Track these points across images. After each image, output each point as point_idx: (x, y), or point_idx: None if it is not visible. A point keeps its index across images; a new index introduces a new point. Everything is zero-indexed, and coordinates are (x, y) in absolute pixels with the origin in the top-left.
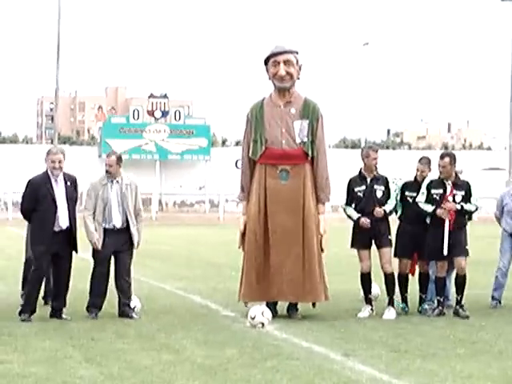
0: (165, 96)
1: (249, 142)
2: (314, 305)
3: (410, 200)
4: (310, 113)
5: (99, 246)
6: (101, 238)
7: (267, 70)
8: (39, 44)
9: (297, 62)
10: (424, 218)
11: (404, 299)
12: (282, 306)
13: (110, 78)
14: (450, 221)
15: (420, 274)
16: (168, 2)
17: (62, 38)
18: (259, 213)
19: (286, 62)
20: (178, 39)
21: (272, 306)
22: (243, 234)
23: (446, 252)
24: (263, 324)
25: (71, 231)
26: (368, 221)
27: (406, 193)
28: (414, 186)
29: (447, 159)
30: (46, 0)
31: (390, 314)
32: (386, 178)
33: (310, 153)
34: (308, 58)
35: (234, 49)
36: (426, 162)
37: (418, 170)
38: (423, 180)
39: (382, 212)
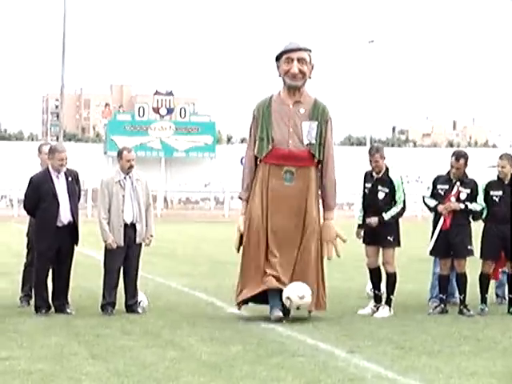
0: (170, 93)
1: (254, 140)
2: (309, 311)
3: (496, 199)
4: (319, 114)
5: (114, 246)
6: (121, 234)
7: (278, 67)
8: (45, 42)
9: (310, 60)
10: (510, 217)
11: (484, 300)
12: None
13: (116, 76)
14: (445, 220)
15: (509, 275)
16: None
17: (68, 35)
18: (262, 214)
19: (300, 60)
20: (182, 36)
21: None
22: (242, 235)
23: (430, 248)
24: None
25: (74, 226)
26: (375, 220)
27: (491, 192)
28: (498, 184)
29: (463, 161)
30: None
31: (382, 312)
32: (391, 180)
33: (317, 155)
34: (313, 55)
35: (240, 46)
36: (507, 157)
37: (499, 166)
38: (505, 177)
39: (375, 221)
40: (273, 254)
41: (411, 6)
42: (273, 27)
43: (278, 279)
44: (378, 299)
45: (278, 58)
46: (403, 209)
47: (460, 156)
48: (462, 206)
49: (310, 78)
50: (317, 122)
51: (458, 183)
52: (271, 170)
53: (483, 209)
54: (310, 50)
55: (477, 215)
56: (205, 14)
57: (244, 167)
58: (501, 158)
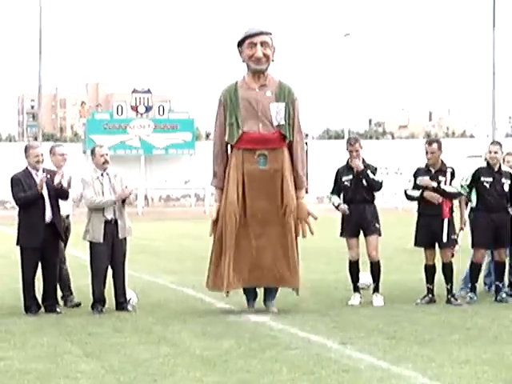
0: (148, 91)
1: (222, 126)
2: (297, 292)
3: (487, 185)
4: (285, 95)
5: (126, 191)
6: (102, 231)
7: (241, 53)
8: (19, 42)
9: (272, 43)
10: (503, 205)
11: (473, 289)
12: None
13: (90, 75)
14: (443, 208)
15: (496, 262)
16: None
17: (43, 34)
18: (238, 198)
19: (263, 44)
20: (156, 34)
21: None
22: (215, 222)
23: (445, 239)
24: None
25: (55, 224)
26: (345, 206)
27: (482, 178)
28: (488, 171)
29: (435, 145)
30: None
31: (378, 300)
32: (372, 165)
33: (287, 135)
34: (289, 48)
35: (215, 42)
36: (499, 144)
37: (491, 152)
38: (496, 163)
39: (360, 165)
40: (252, 240)
41: None
42: (249, 22)
43: (256, 278)
44: (359, 290)
45: (239, 44)
46: (382, 183)
47: (432, 141)
48: (434, 184)
49: (272, 60)
50: (284, 103)
51: (439, 176)
52: (244, 154)
53: (459, 193)
54: (271, 33)
55: (453, 197)
56: (179, 11)
57: (213, 154)
58: (493, 143)
